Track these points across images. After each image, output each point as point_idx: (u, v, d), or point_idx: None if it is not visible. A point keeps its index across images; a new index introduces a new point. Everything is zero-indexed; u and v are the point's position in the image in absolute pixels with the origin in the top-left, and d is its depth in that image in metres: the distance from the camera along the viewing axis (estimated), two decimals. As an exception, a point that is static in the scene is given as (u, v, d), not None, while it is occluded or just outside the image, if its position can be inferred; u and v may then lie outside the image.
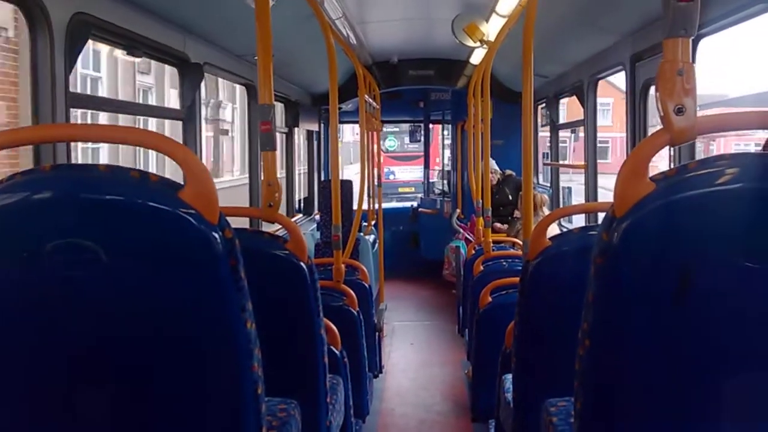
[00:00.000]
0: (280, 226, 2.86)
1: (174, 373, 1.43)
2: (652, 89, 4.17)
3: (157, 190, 1.35)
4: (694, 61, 1.52)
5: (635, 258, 1.27)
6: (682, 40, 1.30)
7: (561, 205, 6.62)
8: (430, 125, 10.59)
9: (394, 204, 11.21)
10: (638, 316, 1.29)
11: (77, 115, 2.90)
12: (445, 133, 10.48)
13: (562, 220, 5.69)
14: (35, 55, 2.52)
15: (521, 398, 2.41)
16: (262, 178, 2.27)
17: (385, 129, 9.98)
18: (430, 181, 10.67)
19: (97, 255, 1.32)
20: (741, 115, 1.37)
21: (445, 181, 10.14)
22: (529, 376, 2.37)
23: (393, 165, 10.13)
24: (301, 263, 2.31)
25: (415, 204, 10.29)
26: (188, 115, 3.98)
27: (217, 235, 1.35)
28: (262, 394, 1.50)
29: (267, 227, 4.42)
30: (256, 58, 2.38)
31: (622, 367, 1.33)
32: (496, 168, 7.17)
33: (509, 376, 2.68)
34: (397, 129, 9.90)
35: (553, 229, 3.46)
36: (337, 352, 2.87)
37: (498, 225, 6.95)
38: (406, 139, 9.57)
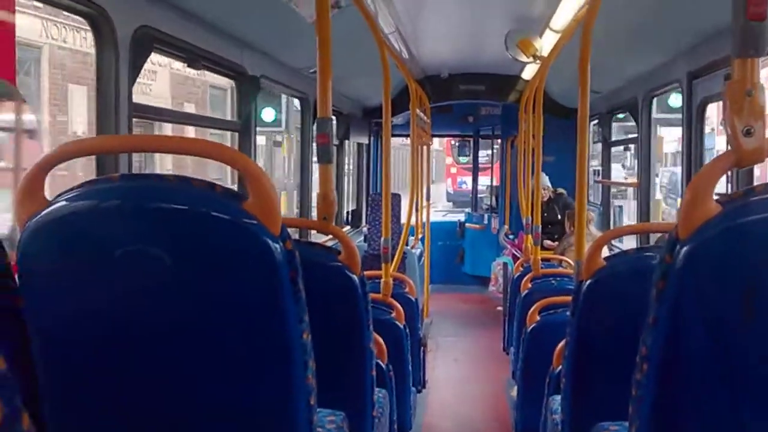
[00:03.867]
0: (331, 237, 2.88)
1: (232, 379, 1.45)
2: (710, 107, 4.09)
3: (221, 200, 1.38)
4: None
5: (699, 281, 1.25)
6: (752, 61, 1.28)
7: (612, 224, 6.51)
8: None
9: (441, 218, 11.20)
10: (701, 341, 1.26)
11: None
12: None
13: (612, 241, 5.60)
14: (101, 67, 2.60)
15: (571, 421, 2.36)
16: (319, 190, 2.29)
17: (457, 142, 10.23)
18: (479, 196, 10.63)
19: (163, 262, 1.36)
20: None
21: (494, 197, 10.08)
22: (580, 398, 2.32)
23: (466, 176, 10.45)
24: (354, 275, 2.32)
25: (462, 218, 10.25)
26: (244, 127, 4.05)
27: (278, 246, 1.37)
28: (314, 405, 1.51)
29: (316, 237, 4.46)
30: (312, 71, 2.42)
31: (682, 393, 1.30)
32: (549, 185, 7.10)
33: (557, 398, 2.63)
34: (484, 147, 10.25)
35: (604, 251, 3.41)
36: (383, 365, 2.87)
37: (548, 242, 6.88)
38: (480, 152, 9.83)
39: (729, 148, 1.29)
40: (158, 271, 1.36)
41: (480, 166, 10.46)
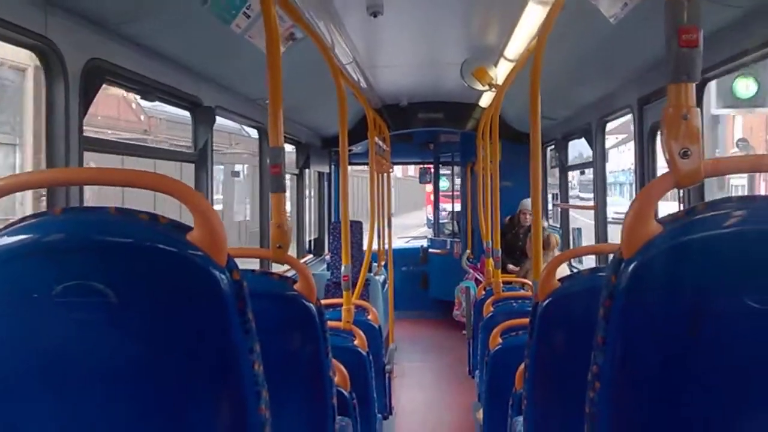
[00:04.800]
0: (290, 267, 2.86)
1: (181, 413, 1.42)
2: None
3: (165, 232, 1.37)
4: (699, 105, 1.54)
5: (644, 299, 1.27)
6: (686, 85, 1.32)
7: (571, 247, 6.60)
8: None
9: (404, 244, 11.24)
10: (648, 358, 1.28)
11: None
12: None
13: (572, 261, 5.67)
14: (50, 99, 2.57)
15: None
16: (272, 219, 2.28)
17: (448, 172, 10.49)
18: (440, 222, 10.68)
19: (107, 297, 1.33)
20: (745, 159, 1.38)
21: (456, 222, 10.15)
22: (541, 418, 2.33)
23: (446, 203, 10.67)
24: (310, 304, 2.30)
25: (425, 244, 10.29)
26: (200, 158, 4.03)
27: (224, 277, 1.36)
28: None
29: (276, 267, 4.43)
30: (267, 102, 2.42)
31: (633, 410, 1.31)
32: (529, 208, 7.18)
33: (520, 419, 2.64)
34: (449, 171, 10.37)
35: (564, 271, 3.45)
36: (346, 393, 2.85)
37: (511, 266, 6.93)
38: (457, 180, 10.02)
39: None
40: (101, 307, 1.34)
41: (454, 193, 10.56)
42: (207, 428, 1.44)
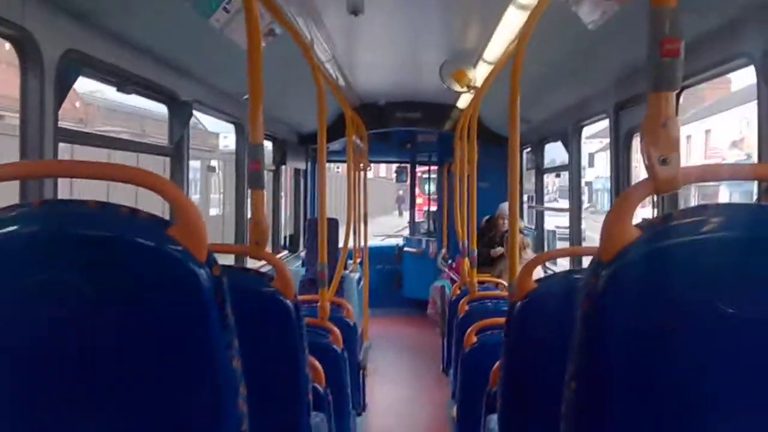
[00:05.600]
0: (266, 263, 2.85)
1: (158, 408, 1.41)
2: (636, 137, 4.26)
3: (145, 226, 1.35)
4: (677, 112, 1.56)
5: (620, 303, 1.29)
6: (666, 94, 1.34)
7: (546, 248, 6.66)
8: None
9: (380, 242, 11.26)
10: (622, 361, 1.30)
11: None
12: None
13: (546, 263, 5.72)
14: (25, 89, 2.53)
15: None
16: (249, 215, 2.27)
17: (425, 176, 10.58)
18: (416, 221, 10.71)
19: (83, 291, 1.32)
20: (723, 167, 1.40)
21: (431, 221, 10.19)
22: (515, 416, 2.36)
23: (433, 205, 10.77)
24: (288, 301, 2.30)
25: (400, 243, 10.31)
26: (176, 152, 3.99)
27: (204, 272, 1.35)
28: (246, 431, 1.48)
29: (252, 263, 4.41)
30: (245, 97, 2.41)
31: (608, 410, 1.33)
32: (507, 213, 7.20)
33: (494, 417, 2.66)
34: (425, 172, 10.52)
35: (538, 273, 3.49)
36: (321, 389, 2.85)
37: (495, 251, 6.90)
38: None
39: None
40: (77, 301, 1.32)
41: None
42: (184, 423, 1.44)
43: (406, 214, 12.05)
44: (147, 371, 1.39)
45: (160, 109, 4.04)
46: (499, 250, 6.94)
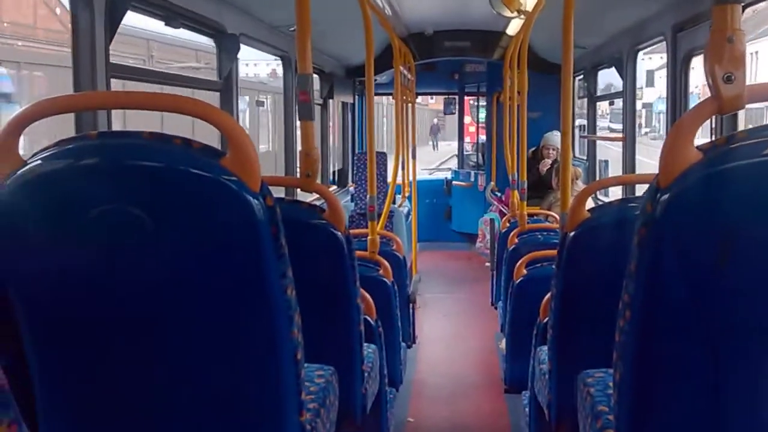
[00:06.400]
0: (317, 196, 2.87)
1: (215, 336, 1.46)
2: (694, 60, 4.08)
3: (199, 157, 1.37)
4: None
5: (679, 229, 1.26)
6: (732, 7, 1.27)
7: (598, 179, 6.53)
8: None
9: (428, 176, 11.22)
10: (680, 288, 1.28)
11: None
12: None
13: (597, 193, 5.62)
14: (76, 26, 2.55)
15: (558, 370, 2.41)
16: (300, 147, 2.28)
17: (477, 103, 10.29)
18: (465, 153, 10.60)
19: (142, 221, 1.35)
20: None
21: (480, 154, 10.07)
22: (566, 347, 2.36)
23: (483, 134, 10.47)
24: (339, 233, 2.32)
25: (449, 176, 10.25)
26: (225, 86, 4.01)
27: (258, 202, 1.36)
28: (301, 360, 1.52)
29: (302, 196, 4.45)
30: (292, 29, 2.38)
31: (663, 338, 1.32)
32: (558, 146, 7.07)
33: (545, 348, 2.68)
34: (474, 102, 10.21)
35: (589, 203, 3.43)
36: (372, 321, 2.90)
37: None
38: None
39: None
40: (137, 230, 1.35)
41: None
42: (240, 349, 1.48)
43: (442, 147, 11.78)
44: (203, 300, 1.43)
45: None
46: (547, 162, 6.90)
